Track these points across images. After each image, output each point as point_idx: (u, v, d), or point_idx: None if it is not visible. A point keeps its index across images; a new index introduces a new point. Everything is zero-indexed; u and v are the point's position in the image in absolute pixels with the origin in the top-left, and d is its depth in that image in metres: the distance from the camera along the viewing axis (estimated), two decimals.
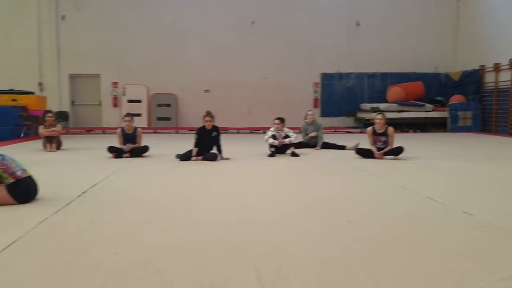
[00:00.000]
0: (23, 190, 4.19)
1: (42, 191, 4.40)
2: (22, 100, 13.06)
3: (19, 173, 4.19)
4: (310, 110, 10.11)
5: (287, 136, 8.48)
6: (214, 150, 7.71)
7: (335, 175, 6.26)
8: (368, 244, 3.08)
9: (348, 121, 17.45)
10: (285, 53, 17.05)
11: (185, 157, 7.58)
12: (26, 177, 4.24)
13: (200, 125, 7.89)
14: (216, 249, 2.95)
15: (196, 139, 7.71)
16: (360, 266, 2.64)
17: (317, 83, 17.48)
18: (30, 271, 2.55)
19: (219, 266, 2.64)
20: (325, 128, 10.53)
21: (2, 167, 4.11)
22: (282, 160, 7.89)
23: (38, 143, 9.61)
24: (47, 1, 16.22)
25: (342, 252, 2.91)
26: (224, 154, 7.81)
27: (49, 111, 9.73)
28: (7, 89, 13.50)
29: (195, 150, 7.61)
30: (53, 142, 9.09)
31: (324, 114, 17.07)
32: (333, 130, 15.44)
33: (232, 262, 2.70)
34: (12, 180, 4.13)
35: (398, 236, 3.28)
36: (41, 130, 9.17)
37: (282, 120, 8.59)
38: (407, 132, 15.37)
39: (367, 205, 4.33)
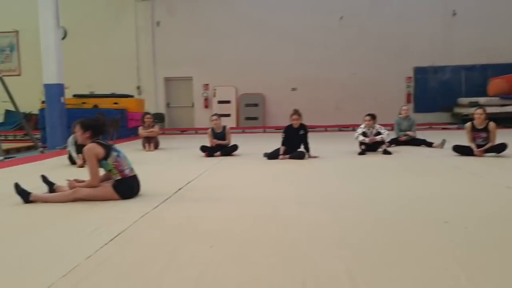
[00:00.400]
0: (127, 188, 4.50)
1: (142, 187, 4.70)
2: (123, 103, 14.01)
3: (127, 171, 4.50)
4: (405, 105, 9.75)
5: (378, 133, 8.22)
6: (302, 149, 7.72)
7: (431, 173, 5.97)
8: (467, 245, 2.91)
9: (444, 116, 16.56)
10: (375, 48, 16.58)
11: (273, 155, 7.66)
12: (132, 176, 4.55)
13: (287, 123, 7.93)
14: (306, 247, 2.95)
15: (284, 137, 7.75)
16: (458, 269, 2.51)
17: (410, 77, 16.79)
18: (133, 261, 2.74)
19: (310, 264, 2.64)
20: (419, 124, 10.12)
21: (115, 163, 4.43)
22: (373, 158, 7.67)
23: (138, 143, 10.26)
24: (143, 8, 17.27)
25: (439, 253, 2.78)
26: (312, 153, 7.77)
27: (148, 113, 10.35)
28: (109, 93, 14.59)
29: (282, 149, 7.66)
30: (151, 142, 9.65)
31: (418, 109, 16.34)
32: (427, 126, 14.74)
33: (323, 261, 2.69)
34: (119, 177, 4.45)
35: (500, 238, 3.06)
36: (140, 130, 9.77)
37: (373, 116, 8.34)
38: (510, 127, 14.23)
39: (466, 205, 4.08)
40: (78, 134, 4.53)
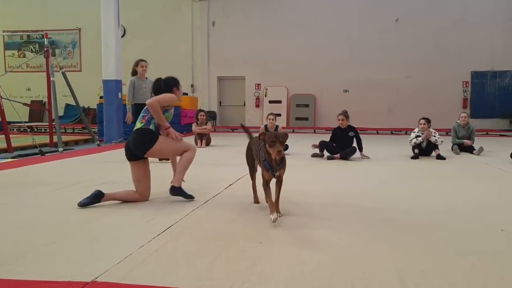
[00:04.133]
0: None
1: (195, 182, 4.82)
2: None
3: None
4: (464, 112, 9.43)
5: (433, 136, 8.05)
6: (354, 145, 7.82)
7: (488, 180, 5.75)
8: None
9: (502, 123, 15.87)
10: (430, 51, 16.13)
11: (316, 154, 7.91)
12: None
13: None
14: (356, 247, 2.94)
15: (331, 136, 7.95)
16: None
17: (467, 82, 16.19)
18: (185, 252, 2.82)
19: (359, 264, 2.63)
20: (476, 131, 9.73)
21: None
22: (427, 162, 7.48)
23: (190, 139, 10.46)
24: (199, 9, 17.63)
25: (494, 260, 2.69)
26: (364, 152, 7.79)
27: (202, 110, 10.58)
28: None
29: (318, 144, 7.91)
30: (204, 139, 9.86)
31: (474, 115, 15.72)
32: (485, 132, 14.19)
33: (374, 262, 2.66)
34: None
35: None
36: (194, 127, 9.99)
37: (428, 120, 8.15)
38: None
39: None
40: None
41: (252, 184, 4.26)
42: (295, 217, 3.73)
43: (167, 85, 4.39)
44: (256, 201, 4.23)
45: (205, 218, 3.69)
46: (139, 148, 4.13)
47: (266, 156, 3.51)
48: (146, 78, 7.46)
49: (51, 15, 18.39)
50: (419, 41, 16.22)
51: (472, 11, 15.90)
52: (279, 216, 3.56)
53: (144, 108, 4.34)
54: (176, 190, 4.27)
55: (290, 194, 4.48)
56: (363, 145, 7.81)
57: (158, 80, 4.46)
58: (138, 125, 4.25)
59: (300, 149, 9.38)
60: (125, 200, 4.20)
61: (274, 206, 3.56)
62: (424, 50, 16.19)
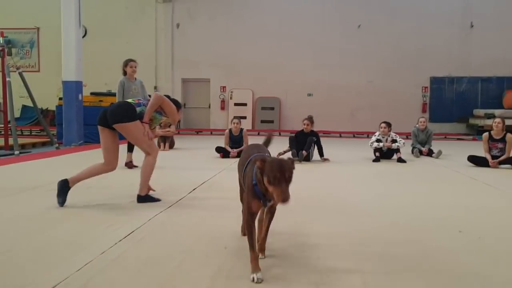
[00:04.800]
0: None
1: (157, 187, 4.74)
2: None
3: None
4: (422, 117, 9.67)
5: (394, 141, 8.22)
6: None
7: (446, 183, 5.93)
8: (481, 255, 2.90)
9: (459, 127, 16.41)
10: (391, 57, 16.51)
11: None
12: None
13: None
14: (320, 239, 2.96)
15: (293, 140, 8.02)
16: (472, 278, 2.50)
17: (426, 87, 16.68)
18: (148, 258, 2.76)
19: (324, 268, 2.65)
20: (434, 135, 10.02)
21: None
22: (388, 166, 7.64)
23: (153, 142, 10.31)
24: (164, 10, 17.42)
25: (452, 263, 2.77)
26: (325, 156, 7.99)
27: None
28: (115, 92, 14.66)
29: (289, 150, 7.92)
30: (167, 142, 9.73)
31: (433, 119, 16.19)
32: (443, 136, 14.64)
33: (338, 270, 2.69)
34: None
35: None
36: (157, 130, 9.83)
37: (388, 124, 8.35)
38: None
39: (480, 215, 4.06)
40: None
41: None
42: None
43: (175, 103, 4.61)
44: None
45: (168, 223, 3.63)
46: (114, 116, 4.17)
47: (260, 182, 2.43)
48: (135, 79, 7.02)
49: (7, 13, 17.74)
50: (380, 47, 16.58)
51: (430, 19, 16.36)
52: (262, 258, 2.75)
53: (144, 95, 4.50)
54: (143, 199, 4.34)
55: None
56: (324, 150, 7.98)
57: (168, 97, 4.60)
58: (129, 100, 4.45)
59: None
60: (92, 175, 4.31)
61: (257, 258, 2.54)
62: (385, 56, 16.56)
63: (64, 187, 4.11)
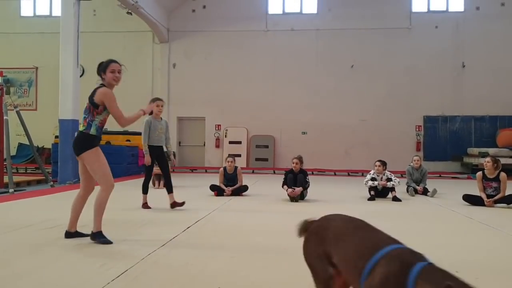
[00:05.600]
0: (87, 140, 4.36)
1: (151, 225, 4.71)
2: (135, 141, 14.17)
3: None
4: (416, 155, 9.73)
5: (389, 180, 8.23)
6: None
7: (441, 222, 5.92)
8: None
9: (454, 166, 16.52)
10: (384, 96, 16.78)
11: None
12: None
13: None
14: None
15: (284, 179, 8.02)
16: None
17: (420, 126, 16.88)
18: None
19: None
20: (429, 173, 10.05)
21: (105, 117, 4.43)
22: (383, 205, 7.63)
23: None
24: (160, 50, 17.78)
25: None
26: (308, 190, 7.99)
27: None
28: (122, 130, 14.76)
29: (288, 190, 7.79)
30: (161, 180, 9.70)
31: (428, 158, 16.30)
32: (438, 175, 14.70)
33: None
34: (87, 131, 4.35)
35: None
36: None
37: (383, 162, 8.39)
38: None
39: (477, 255, 4.04)
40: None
41: None
42: (253, 261, 3.68)
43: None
44: None
45: (161, 262, 3.59)
46: (74, 149, 4.36)
47: None
48: (161, 118, 6.91)
49: (7, 53, 18.03)
50: (374, 87, 16.87)
51: (422, 60, 16.73)
52: None
53: (84, 108, 4.41)
54: (95, 236, 4.24)
55: (251, 238, 4.44)
56: (318, 188, 7.99)
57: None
58: (80, 127, 4.42)
59: (260, 190, 9.39)
60: (79, 210, 4.40)
61: None
62: (378, 95, 16.83)
63: (74, 236, 4.33)
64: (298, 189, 7.67)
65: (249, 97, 17.20)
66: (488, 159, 7.46)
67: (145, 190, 6.78)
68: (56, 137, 12.18)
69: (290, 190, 7.70)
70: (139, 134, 14.45)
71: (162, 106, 6.78)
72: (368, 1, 16.96)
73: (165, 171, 6.80)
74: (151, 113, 6.59)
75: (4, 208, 6.59)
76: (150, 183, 9.79)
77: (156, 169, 9.75)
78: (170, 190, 6.74)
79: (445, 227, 5.54)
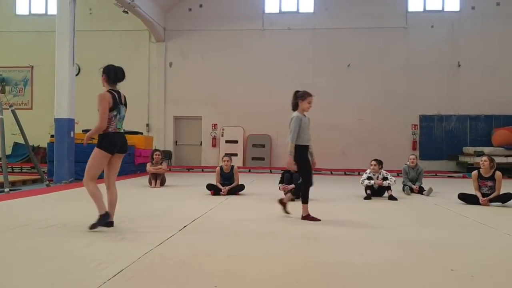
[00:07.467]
0: (108, 142, 4.84)
1: (147, 224, 4.70)
2: (132, 140, 14.11)
3: (110, 129, 4.85)
4: (412, 155, 9.75)
5: (385, 179, 8.25)
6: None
7: (437, 220, 5.94)
8: None
9: (449, 165, 16.58)
10: (381, 95, 16.83)
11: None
12: (114, 132, 4.91)
13: None
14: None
15: (281, 177, 8.04)
16: None
17: (416, 125, 16.93)
18: None
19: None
20: (425, 172, 10.08)
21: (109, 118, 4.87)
22: (379, 203, 7.65)
23: (144, 179, 10.29)
24: (157, 50, 17.77)
25: None
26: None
27: (157, 150, 10.48)
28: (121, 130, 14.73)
29: (284, 187, 7.81)
30: (158, 179, 9.70)
31: (423, 157, 16.35)
32: (434, 174, 14.74)
33: None
34: (101, 133, 4.76)
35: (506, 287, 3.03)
36: (149, 167, 9.82)
37: (379, 162, 8.41)
38: None
39: (472, 253, 4.05)
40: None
41: None
42: (250, 260, 3.69)
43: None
44: None
45: (158, 261, 3.58)
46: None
47: None
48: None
49: (2, 52, 17.95)
50: (370, 86, 16.91)
51: (418, 59, 16.80)
52: None
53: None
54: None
55: (249, 235, 4.43)
56: (315, 187, 7.91)
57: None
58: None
59: (256, 189, 9.39)
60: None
61: None
62: (374, 94, 16.86)
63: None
64: (291, 186, 7.69)
65: (245, 97, 17.22)
66: (485, 158, 7.48)
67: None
68: (52, 136, 12.12)
69: (282, 185, 7.76)
70: (135, 133, 14.55)
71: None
72: (364, 0, 17.02)
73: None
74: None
75: (0, 207, 6.56)
76: (147, 182, 9.87)
77: (153, 168, 9.80)
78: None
79: (440, 225, 5.56)
